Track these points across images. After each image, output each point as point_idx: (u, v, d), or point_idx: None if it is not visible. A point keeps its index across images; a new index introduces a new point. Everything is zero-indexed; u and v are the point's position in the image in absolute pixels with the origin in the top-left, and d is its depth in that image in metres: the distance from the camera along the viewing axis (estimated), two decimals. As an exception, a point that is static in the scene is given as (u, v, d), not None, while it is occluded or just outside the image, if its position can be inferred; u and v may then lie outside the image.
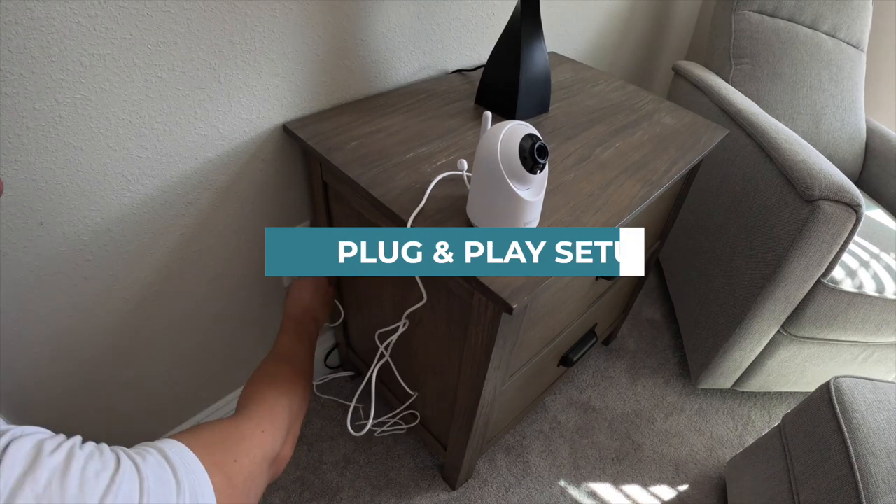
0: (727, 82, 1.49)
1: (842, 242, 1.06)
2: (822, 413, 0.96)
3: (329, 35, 0.84)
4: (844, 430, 0.90)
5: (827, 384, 0.98)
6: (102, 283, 0.79)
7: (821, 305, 1.16)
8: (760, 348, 1.30)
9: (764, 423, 1.42)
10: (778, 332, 1.25)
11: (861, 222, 1.03)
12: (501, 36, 0.89)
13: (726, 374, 1.38)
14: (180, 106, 0.73)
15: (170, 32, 0.67)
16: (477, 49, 1.12)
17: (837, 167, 1.48)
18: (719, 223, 1.34)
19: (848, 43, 1.53)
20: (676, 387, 1.47)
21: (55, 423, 0.86)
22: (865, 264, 1.18)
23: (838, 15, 1.50)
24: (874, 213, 1.39)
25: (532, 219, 0.65)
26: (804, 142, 1.19)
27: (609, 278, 0.92)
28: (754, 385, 1.41)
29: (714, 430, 1.38)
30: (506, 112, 0.93)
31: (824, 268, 1.11)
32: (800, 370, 1.35)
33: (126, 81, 0.67)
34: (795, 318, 1.20)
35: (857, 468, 0.85)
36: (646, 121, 1.02)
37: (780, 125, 1.24)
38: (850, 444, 0.88)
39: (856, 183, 1.59)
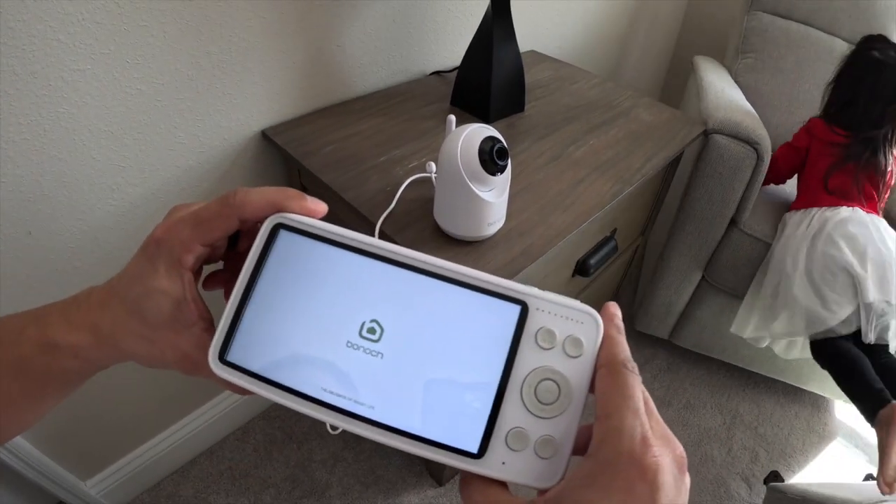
0: (731, 75, 1.56)
1: (745, 180, 1.15)
2: None
3: (304, 42, 0.86)
4: None
5: None
6: (91, 289, 0.82)
7: (736, 251, 1.25)
8: (687, 293, 1.37)
9: (752, 416, 1.43)
10: (703, 279, 1.34)
11: (764, 163, 1.13)
12: (474, 38, 0.91)
13: (658, 317, 1.45)
14: (160, 116, 0.76)
15: (147, 46, 0.70)
16: (454, 50, 1.14)
17: None
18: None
19: None
20: (665, 381, 1.49)
21: (42, 430, 0.89)
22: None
23: (857, 23, 1.53)
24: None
25: (496, 220, 0.68)
26: (739, 99, 1.31)
27: (584, 275, 0.94)
28: (689, 339, 1.47)
29: (702, 424, 1.39)
30: (480, 113, 0.95)
31: (732, 207, 1.19)
32: (736, 337, 1.34)
33: (107, 94, 0.70)
34: (714, 263, 1.29)
35: None
36: (622, 118, 1.04)
37: (729, 89, 1.36)
38: None
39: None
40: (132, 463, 1.08)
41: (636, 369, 0.22)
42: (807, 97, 1.51)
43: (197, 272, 0.28)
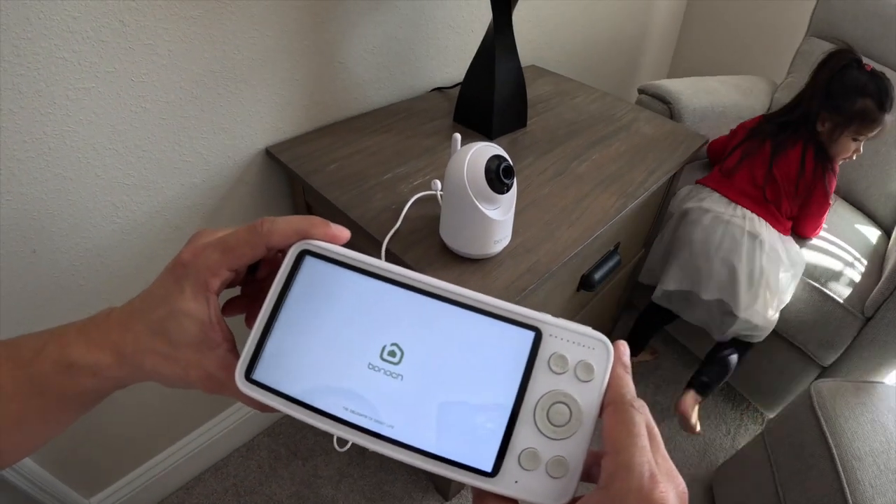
0: (774, 90, 1.62)
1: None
2: (805, 419, 0.96)
3: (308, 60, 0.87)
4: (828, 436, 0.90)
5: (808, 388, 0.99)
6: (96, 309, 0.81)
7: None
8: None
9: (757, 425, 1.42)
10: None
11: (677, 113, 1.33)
12: (476, 54, 0.92)
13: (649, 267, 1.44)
14: (165, 134, 0.76)
15: (152, 64, 0.70)
16: (457, 66, 1.15)
17: (866, 203, 1.48)
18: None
19: None
20: (668, 392, 1.48)
21: (46, 448, 0.88)
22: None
23: None
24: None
25: (502, 237, 0.67)
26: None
27: (589, 290, 0.94)
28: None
29: (706, 435, 1.38)
30: (483, 129, 0.95)
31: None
32: None
33: (111, 113, 0.70)
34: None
35: (843, 475, 0.84)
36: (624, 131, 1.04)
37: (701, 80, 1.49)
38: (834, 450, 0.88)
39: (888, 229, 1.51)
40: (136, 480, 1.07)
41: (643, 408, 0.24)
42: None
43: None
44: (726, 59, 1.94)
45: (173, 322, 0.26)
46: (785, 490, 0.96)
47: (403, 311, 0.27)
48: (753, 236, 1.15)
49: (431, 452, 0.25)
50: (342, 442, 1.19)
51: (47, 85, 0.63)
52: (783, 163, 1.19)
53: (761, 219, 1.18)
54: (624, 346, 0.26)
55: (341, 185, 0.80)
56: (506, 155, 0.63)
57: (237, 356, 0.27)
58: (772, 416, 1.39)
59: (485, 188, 0.61)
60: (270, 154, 0.87)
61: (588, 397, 0.25)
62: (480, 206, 0.62)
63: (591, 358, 0.25)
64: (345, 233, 0.29)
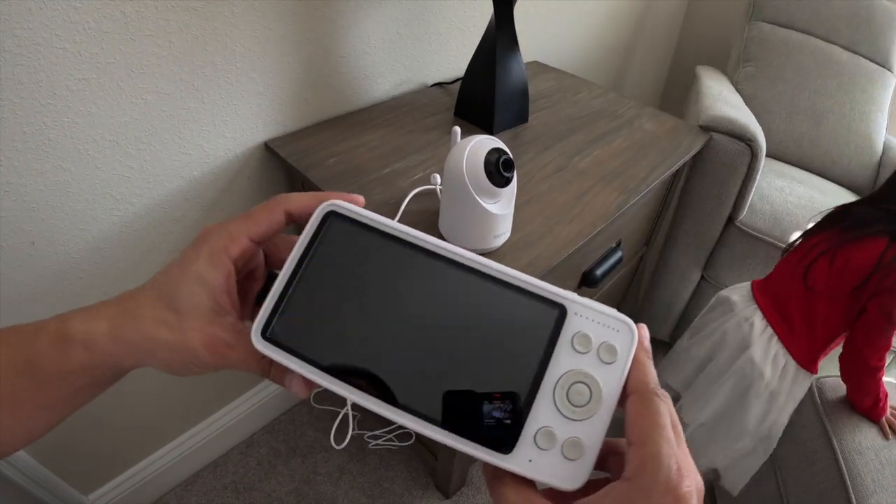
0: (732, 83, 1.57)
1: (741, 177, 1.15)
2: (807, 414, 0.96)
3: (309, 53, 0.87)
4: (830, 431, 0.90)
5: (810, 385, 0.98)
6: (95, 300, 0.81)
7: (734, 248, 1.25)
8: (687, 293, 1.37)
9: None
10: (702, 278, 1.33)
11: (760, 160, 1.12)
12: (477, 49, 0.91)
13: (659, 319, 1.45)
14: (165, 126, 0.76)
15: (153, 56, 0.70)
16: (458, 61, 1.15)
17: (842, 174, 1.54)
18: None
19: (870, 59, 1.57)
20: (669, 389, 1.47)
21: (43, 443, 0.88)
22: (804, 228, 1.16)
23: (857, 31, 1.55)
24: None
25: (502, 232, 0.67)
26: (735, 102, 1.31)
27: (591, 286, 0.93)
28: None
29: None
30: (483, 124, 0.95)
31: (728, 204, 1.19)
32: None
33: (112, 104, 0.70)
34: (713, 262, 1.29)
35: (845, 470, 0.85)
36: (626, 127, 1.04)
37: (727, 93, 1.37)
38: (836, 445, 0.88)
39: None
40: (135, 476, 1.06)
41: (666, 397, 0.23)
42: (806, 105, 1.52)
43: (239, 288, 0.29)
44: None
45: (184, 286, 0.26)
46: (787, 485, 0.96)
47: (428, 280, 0.26)
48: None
49: (450, 426, 0.24)
50: (340, 439, 1.19)
51: (47, 75, 0.63)
52: (856, 253, 0.88)
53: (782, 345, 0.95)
54: (645, 330, 0.26)
55: (341, 180, 0.80)
56: (506, 148, 0.63)
57: (244, 327, 0.27)
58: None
59: (484, 181, 0.61)
60: (270, 148, 0.87)
61: (610, 380, 0.24)
62: (479, 200, 0.62)
63: (615, 340, 0.24)
64: (360, 199, 0.29)
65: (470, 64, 0.94)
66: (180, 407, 1.08)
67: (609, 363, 0.24)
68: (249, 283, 0.32)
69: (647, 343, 0.25)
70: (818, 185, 1.45)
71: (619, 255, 0.97)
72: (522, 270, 0.69)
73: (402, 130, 0.94)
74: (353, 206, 0.28)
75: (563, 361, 0.24)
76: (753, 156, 1.13)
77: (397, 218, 0.71)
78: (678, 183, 1.19)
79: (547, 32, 1.35)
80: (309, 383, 0.27)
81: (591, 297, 1.00)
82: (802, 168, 1.55)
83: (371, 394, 0.25)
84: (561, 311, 0.25)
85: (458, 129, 0.67)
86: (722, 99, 1.28)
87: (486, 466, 0.25)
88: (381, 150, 0.88)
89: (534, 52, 1.34)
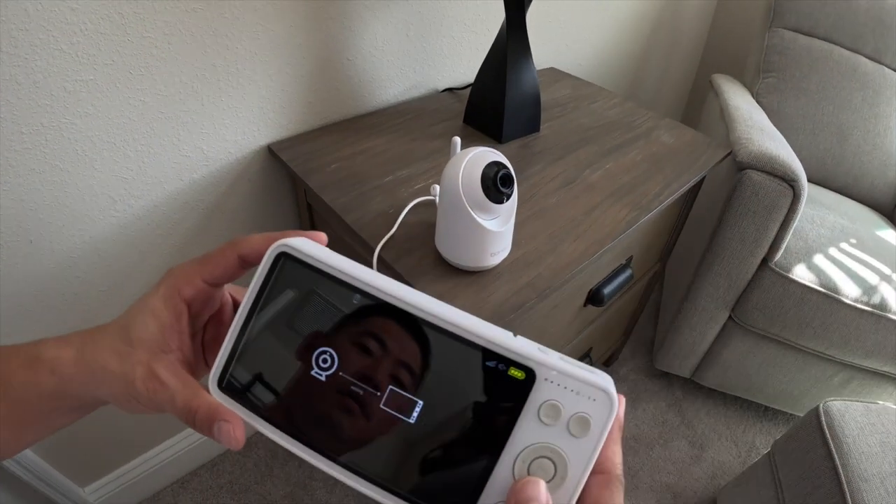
0: (752, 95, 1.48)
1: (780, 219, 1.05)
2: (812, 439, 0.92)
3: (313, 55, 0.85)
4: (835, 456, 0.86)
5: (816, 408, 0.94)
6: (92, 300, 0.82)
7: (767, 292, 1.15)
8: (713, 333, 1.29)
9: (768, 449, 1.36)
10: (729, 318, 1.25)
11: (801, 201, 1.02)
12: (488, 54, 0.88)
13: (681, 356, 1.37)
14: (164, 129, 0.75)
15: (151, 57, 0.69)
16: (469, 66, 1.11)
17: (863, 193, 1.46)
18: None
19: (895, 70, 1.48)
20: (679, 411, 1.43)
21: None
22: (840, 265, 1.13)
23: (882, 39, 1.45)
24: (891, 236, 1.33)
25: (500, 249, 0.64)
26: (769, 129, 1.21)
27: (597, 305, 0.90)
28: (713, 379, 1.38)
29: (716, 457, 1.33)
30: (492, 132, 0.92)
31: (765, 246, 1.10)
32: (762, 375, 1.30)
33: (109, 105, 0.69)
34: (743, 303, 1.20)
35: (849, 496, 0.81)
36: (642, 139, 1.00)
37: (756, 115, 1.27)
38: (841, 470, 0.84)
39: (890, 215, 1.50)
40: (132, 472, 1.07)
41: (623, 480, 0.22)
42: (830, 119, 1.43)
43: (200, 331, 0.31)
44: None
45: (139, 317, 0.27)
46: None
47: (380, 331, 0.24)
48: None
49: (402, 493, 0.23)
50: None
51: (45, 76, 0.62)
52: None
53: None
54: (621, 400, 0.23)
55: (340, 187, 0.78)
56: (506, 161, 0.60)
57: (186, 369, 0.27)
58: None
59: (480, 197, 0.58)
60: (272, 151, 0.85)
61: (579, 455, 0.22)
62: (475, 216, 0.59)
63: (590, 410, 0.22)
64: (321, 237, 0.28)
65: (480, 70, 0.90)
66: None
67: (579, 437, 0.22)
68: (216, 328, 0.32)
69: (621, 414, 0.23)
70: (844, 209, 1.37)
71: (629, 272, 0.93)
72: (521, 291, 0.66)
73: (408, 137, 0.91)
74: (306, 247, 0.26)
75: (527, 433, 0.22)
76: (796, 197, 1.02)
77: (394, 229, 0.69)
78: (708, 209, 1.14)
79: (565, 38, 1.31)
80: (242, 436, 0.26)
81: (598, 316, 0.95)
82: (824, 187, 1.47)
83: (324, 455, 0.24)
84: (529, 376, 0.22)
85: (457, 139, 0.64)
86: (755, 126, 1.18)
87: None
88: (384, 156, 0.86)
89: (550, 58, 1.29)
